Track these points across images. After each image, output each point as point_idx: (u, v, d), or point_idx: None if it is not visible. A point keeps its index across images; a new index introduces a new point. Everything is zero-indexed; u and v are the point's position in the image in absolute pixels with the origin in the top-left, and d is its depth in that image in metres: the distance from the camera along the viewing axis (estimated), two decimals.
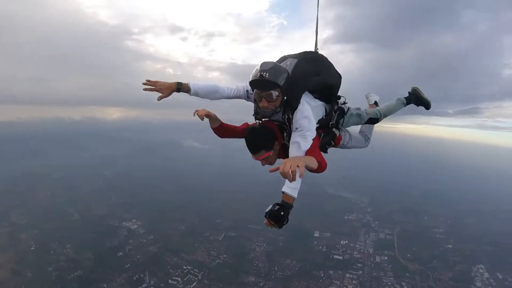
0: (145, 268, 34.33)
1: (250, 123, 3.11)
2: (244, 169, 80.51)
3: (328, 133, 3.21)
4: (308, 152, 2.52)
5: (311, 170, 2.43)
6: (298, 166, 1.90)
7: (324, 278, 34.75)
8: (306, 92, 2.86)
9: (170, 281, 32.70)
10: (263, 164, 2.78)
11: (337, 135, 3.37)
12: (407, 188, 62.28)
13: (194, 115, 2.78)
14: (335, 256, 39.12)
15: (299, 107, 2.66)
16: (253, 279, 33.80)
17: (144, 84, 2.78)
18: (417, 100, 4.11)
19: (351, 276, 35.36)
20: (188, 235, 42.33)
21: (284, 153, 2.87)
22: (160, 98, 2.81)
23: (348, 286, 33.70)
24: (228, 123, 3.16)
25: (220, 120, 3.04)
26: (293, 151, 2.53)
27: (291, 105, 2.65)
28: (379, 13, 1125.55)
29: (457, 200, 64.66)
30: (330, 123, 3.22)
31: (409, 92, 4.15)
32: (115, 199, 53.78)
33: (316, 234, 44.06)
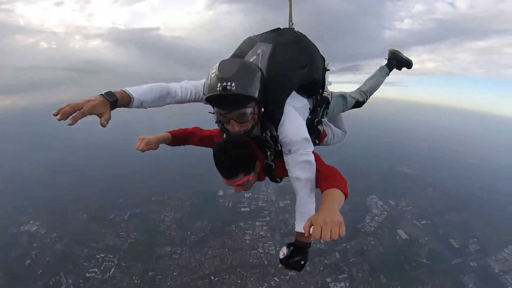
0: (58, 269, 32.31)
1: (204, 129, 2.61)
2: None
3: (312, 132, 2.39)
4: (318, 174, 2.03)
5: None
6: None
7: (236, 231, 37.44)
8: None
9: (87, 274, 31.69)
10: (237, 191, 2.12)
11: (321, 132, 2.71)
12: None
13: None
14: (242, 209, 41.29)
15: (284, 118, 1.94)
16: (169, 248, 34.76)
17: (54, 114, 1.46)
18: (398, 63, 3.63)
19: (260, 223, 38.73)
20: (91, 222, 39.95)
21: (266, 173, 2.29)
22: (69, 123, 1.46)
23: (260, 233, 37.07)
24: (184, 130, 2.54)
25: (168, 136, 2.43)
26: (300, 184, 1.94)
27: (273, 118, 1.92)
28: None
29: (344, 146, 75.57)
30: (316, 120, 2.49)
31: (388, 58, 3.63)
32: (7, 203, 45.49)
33: (220, 193, 45.12)
